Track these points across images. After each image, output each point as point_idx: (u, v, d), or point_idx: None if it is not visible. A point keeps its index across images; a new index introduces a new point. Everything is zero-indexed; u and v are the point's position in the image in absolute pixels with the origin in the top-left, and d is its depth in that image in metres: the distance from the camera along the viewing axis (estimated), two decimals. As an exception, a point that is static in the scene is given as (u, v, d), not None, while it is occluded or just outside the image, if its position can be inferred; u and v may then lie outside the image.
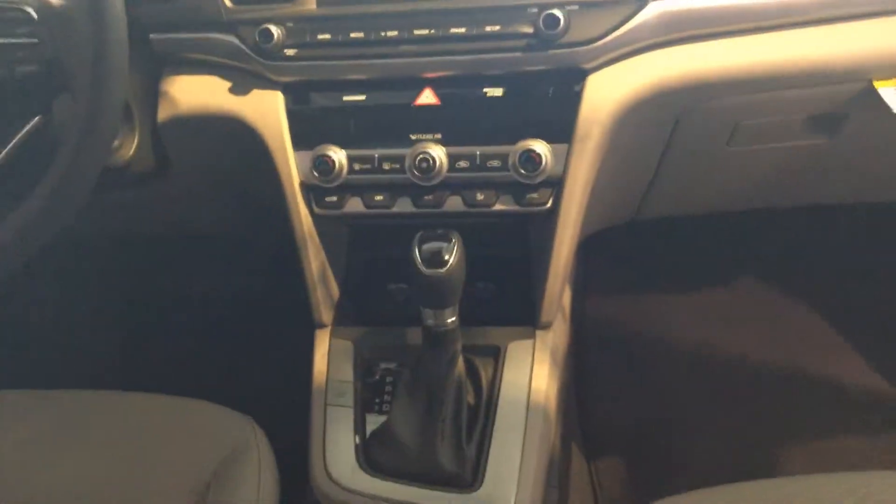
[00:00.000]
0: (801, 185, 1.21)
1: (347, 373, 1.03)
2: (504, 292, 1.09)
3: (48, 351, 1.60)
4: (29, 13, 0.69)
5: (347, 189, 0.96)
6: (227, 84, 0.96)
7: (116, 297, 1.71)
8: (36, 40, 0.69)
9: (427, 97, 0.93)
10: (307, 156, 0.94)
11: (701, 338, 1.54)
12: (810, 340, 1.51)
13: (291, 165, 0.95)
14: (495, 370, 1.00)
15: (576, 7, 0.87)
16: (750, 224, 1.58)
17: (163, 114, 0.98)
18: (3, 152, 0.74)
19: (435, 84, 0.92)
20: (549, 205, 0.94)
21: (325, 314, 1.07)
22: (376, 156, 0.94)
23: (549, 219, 0.95)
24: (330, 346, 1.05)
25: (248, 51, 0.93)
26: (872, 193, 1.30)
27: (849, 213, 1.54)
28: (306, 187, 0.97)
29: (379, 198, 0.96)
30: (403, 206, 0.96)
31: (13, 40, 0.68)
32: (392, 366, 1.04)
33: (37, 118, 0.76)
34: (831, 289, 1.57)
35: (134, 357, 1.63)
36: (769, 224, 1.57)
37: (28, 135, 0.76)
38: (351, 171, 0.94)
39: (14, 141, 0.74)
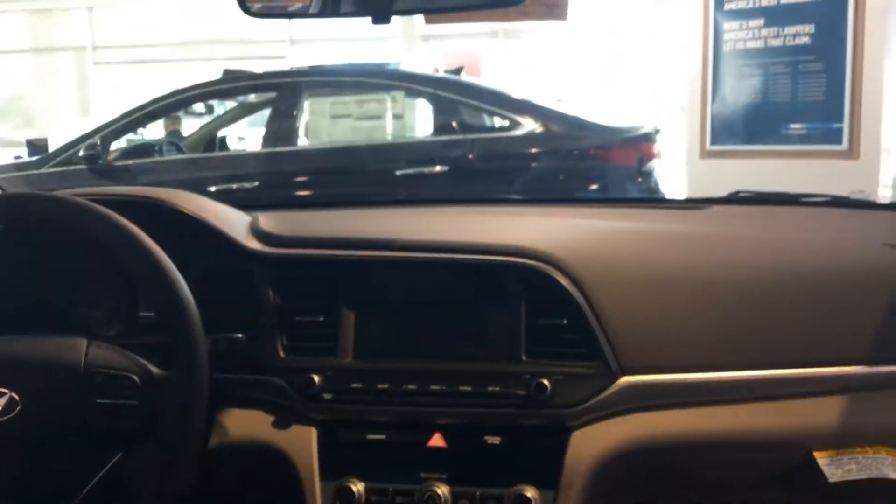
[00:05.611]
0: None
1: None
2: None
3: None
4: (135, 380, 0.90)
5: None
6: (271, 419, 1.15)
7: None
8: (137, 402, 0.89)
9: (436, 440, 1.10)
10: (330, 486, 1.09)
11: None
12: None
13: (317, 494, 1.10)
14: None
15: (560, 377, 1.07)
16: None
17: (213, 441, 1.16)
18: (91, 483, 0.91)
19: (444, 430, 1.10)
20: None
21: None
22: (390, 489, 1.09)
23: None
24: None
25: (293, 392, 1.13)
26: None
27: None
28: None
29: None
30: None
31: (119, 401, 0.88)
32: None
33: (119, 455, 0.94)
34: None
35: None
36: None
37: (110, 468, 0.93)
38: (368, 502, 1.09)
39: (100, 474, 0.92)
